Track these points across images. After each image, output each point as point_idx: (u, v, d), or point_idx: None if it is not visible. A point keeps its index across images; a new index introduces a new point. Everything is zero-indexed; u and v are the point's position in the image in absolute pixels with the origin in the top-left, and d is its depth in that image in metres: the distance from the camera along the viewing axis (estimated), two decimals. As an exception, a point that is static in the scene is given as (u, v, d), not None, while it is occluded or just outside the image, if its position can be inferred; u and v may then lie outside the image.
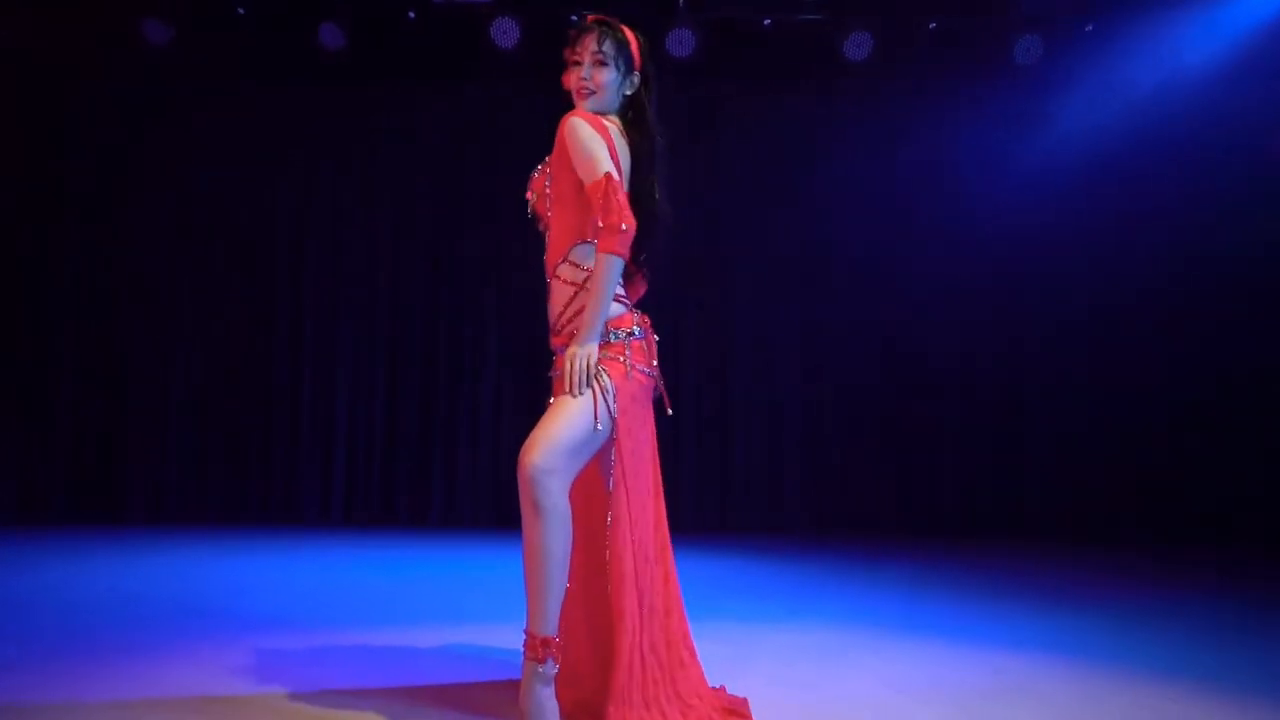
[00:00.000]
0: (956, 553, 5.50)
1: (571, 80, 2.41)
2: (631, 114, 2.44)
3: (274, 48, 5.93)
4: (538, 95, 6.16)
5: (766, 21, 6.00)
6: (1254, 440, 6.08)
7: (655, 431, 2.47)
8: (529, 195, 2.52)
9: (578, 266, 2.37)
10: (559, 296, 2.41)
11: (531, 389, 6.30)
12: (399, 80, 6.24)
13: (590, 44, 2.37)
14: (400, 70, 6.18)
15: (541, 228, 2.50)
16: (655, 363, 2.44)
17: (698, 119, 6.29)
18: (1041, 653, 3.18)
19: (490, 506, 6.27)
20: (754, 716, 2.39)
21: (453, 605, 3.85)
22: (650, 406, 2.44)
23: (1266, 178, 6.02)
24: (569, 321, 2.38)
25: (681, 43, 5.70)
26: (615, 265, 2.25)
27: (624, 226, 2.23)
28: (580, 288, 2.36)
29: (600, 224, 2.24)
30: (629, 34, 2.44)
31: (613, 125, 2.41)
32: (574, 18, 5.84)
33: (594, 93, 2.38)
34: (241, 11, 5.67)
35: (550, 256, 2.43)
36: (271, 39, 5.89)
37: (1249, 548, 5.72)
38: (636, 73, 2.43)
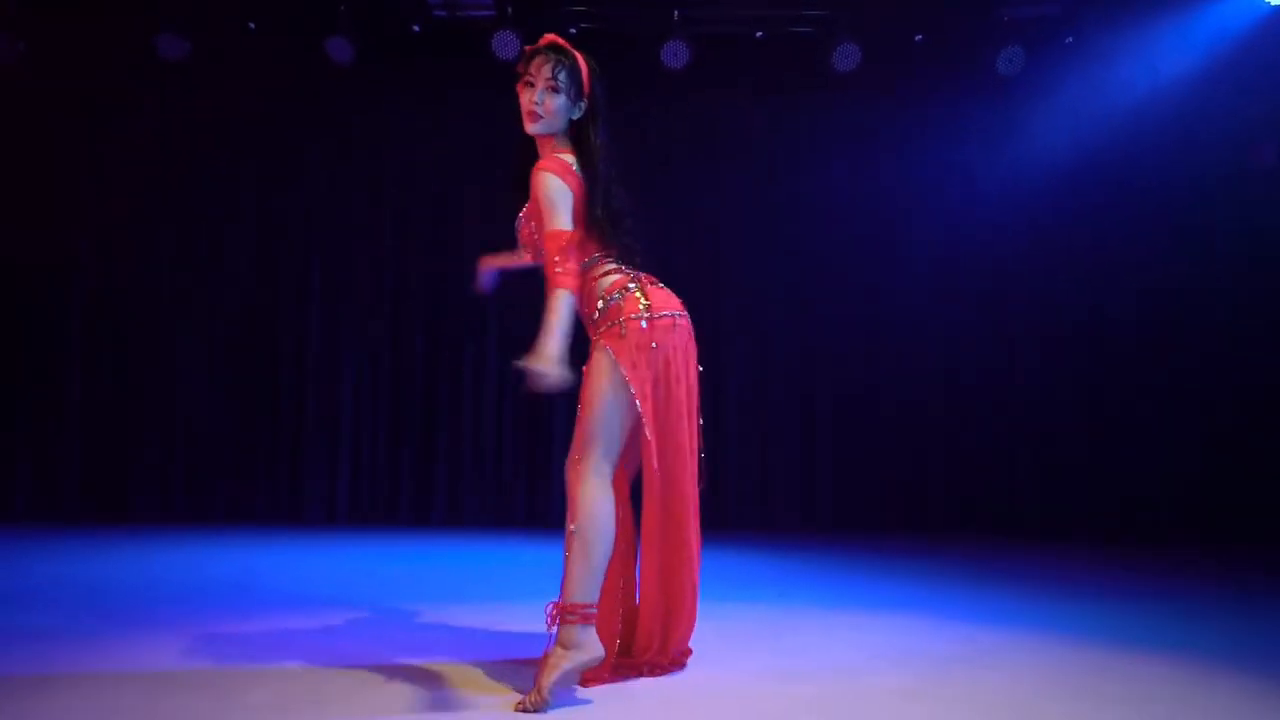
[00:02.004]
0: (944, 547, 5.66)
1: (524, 100, 2.56)
2: (578, 139, 2.59)
3: (283, 60, 6.13)
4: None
5: (759, 34, 6.22)
6: (1240, 440, 6.22)
7: (696, 385, 2.63)
8: (521, 243, 2.75)
9: (591, 274, 2.59)
10: (587, 302, 2.60)
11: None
12: (404, 91, 6.44)
13: (545, 71, 2.52)
14: (405, 81, 6.38)
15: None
16: (670, 305, 2.58)
17: (692, 128, 6.50)
18: (1015, 626, 3.36)
19: (492, 506, 6.44)
20: (736, 685, 2.59)
21: (455, 589, 4.02)
22: (683, 355, 2.57)
23: (1246, 184, 6.21)
24: (603, 314, 2.57)
25: (676, 54, 5.90)
26: (569, 301, 2.40)
27: (559, 284, 2.41)
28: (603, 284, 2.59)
29: (550, 272, 2.43)
30: (580, 60, 2.58)
31: (571, 160, 2.57)
32: (572, 30, 6.07)
33: (543, 118, 2.54)
34: (253, 26, 5.87)
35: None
36: (281, 52, 6.09)
37: (1229, 544, 5.88)
38: (584, 100, 2.57)
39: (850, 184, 6.46)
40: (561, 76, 2.52)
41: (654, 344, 2.51)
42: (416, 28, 6.07)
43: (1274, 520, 5.96)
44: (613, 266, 2.60)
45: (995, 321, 6.50)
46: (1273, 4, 5.31)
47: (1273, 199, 6.17)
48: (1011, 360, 6.52)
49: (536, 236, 2.56)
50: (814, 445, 6.50)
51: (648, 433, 2.49)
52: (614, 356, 2.48)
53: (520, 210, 2.68)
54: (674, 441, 2.55)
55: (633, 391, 2.47)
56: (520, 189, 2.65)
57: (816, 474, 6.49)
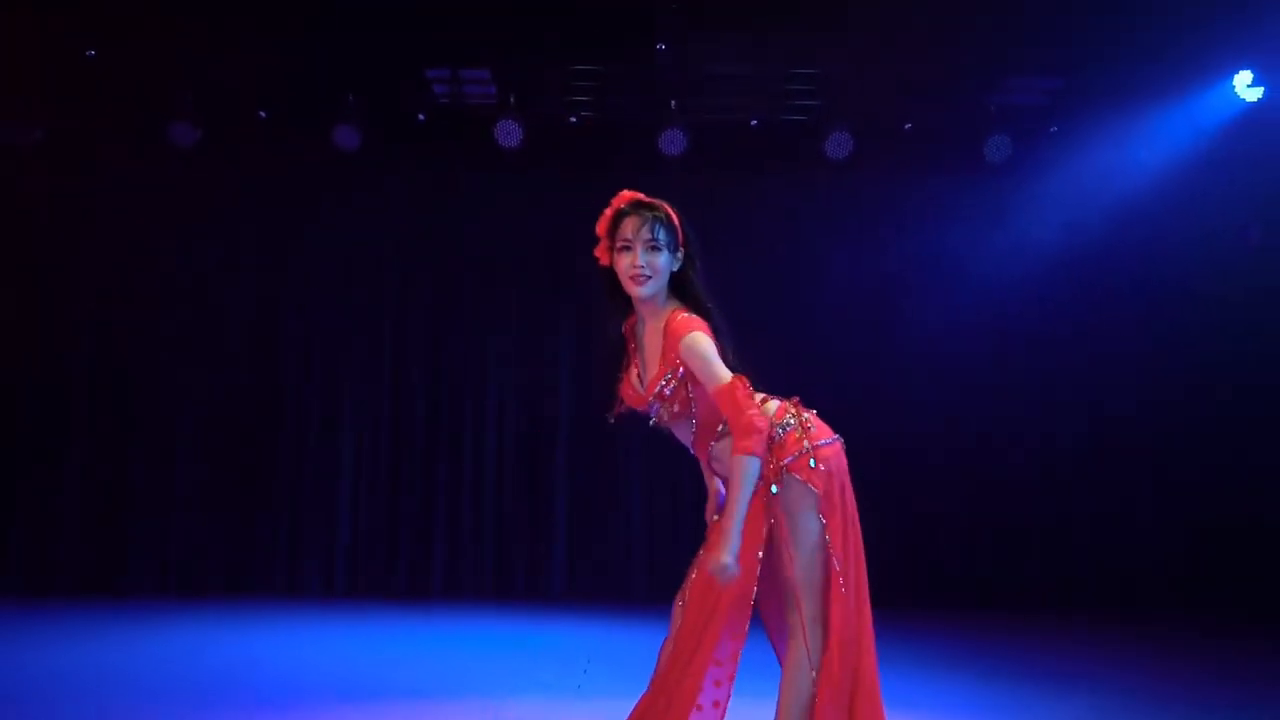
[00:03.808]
0: (965, 631, 5.65)
1: (623, 266, 2.42)
2: (679, 288, 2.48)
3: (292, 147, 6.29)
4: (535, 191, 6.55)
5: (753, 122, 6.42)
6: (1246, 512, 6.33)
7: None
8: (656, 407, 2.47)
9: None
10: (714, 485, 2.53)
11: (532, 460, 6.55)
12: (409, 175, 6.60)
13: (644, 231, 2.40)
14: (409, 165, 6.55)
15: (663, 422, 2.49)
16: (821, 431, 2.46)
17: (689, 213, 6.61)
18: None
19: (491, 577, 6.46)
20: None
21: (456, 677, 3.99)
22: (847, 474, 2.46)
23: (1223, 265, 6.39)
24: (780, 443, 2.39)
25: (673, 142, 6.06)
26: (754, 466, 2.25)
27: (759, 426, 2.25)
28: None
29: (733, 426, 2.27)
30: (669, 211, 2.47)
31: (686, 313, 2.43)
32: (572, 119, 6.27)
33: (651, 278, 2.41)
34: (263, 115, 6.05)
35: (699, 447, 2.48)
36: (290, 139, 6.25)
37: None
38: (681, 249, 2.47)
39: (842, 267, 6.60)
40: (660, 234, 2.40)
41: (837, 475, 2.41)
42: (422, 116, 6.25)
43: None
44: (761, 395, 2.44)
45: (987, 399, 6.57)
46: (1248, 100, 5.53)
47: (1257, 279, 6.34)
48: (1008, 436, 6.59)
49: (691, 399, 2.40)
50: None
51: (840, 582, 2.33)
52: (815, 491, 2.34)
53: (633, 376, 2.51)
54: (860, 593, 2.39)
55: (828, 537, 2.34)
56: (612, 361, 2.54)
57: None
